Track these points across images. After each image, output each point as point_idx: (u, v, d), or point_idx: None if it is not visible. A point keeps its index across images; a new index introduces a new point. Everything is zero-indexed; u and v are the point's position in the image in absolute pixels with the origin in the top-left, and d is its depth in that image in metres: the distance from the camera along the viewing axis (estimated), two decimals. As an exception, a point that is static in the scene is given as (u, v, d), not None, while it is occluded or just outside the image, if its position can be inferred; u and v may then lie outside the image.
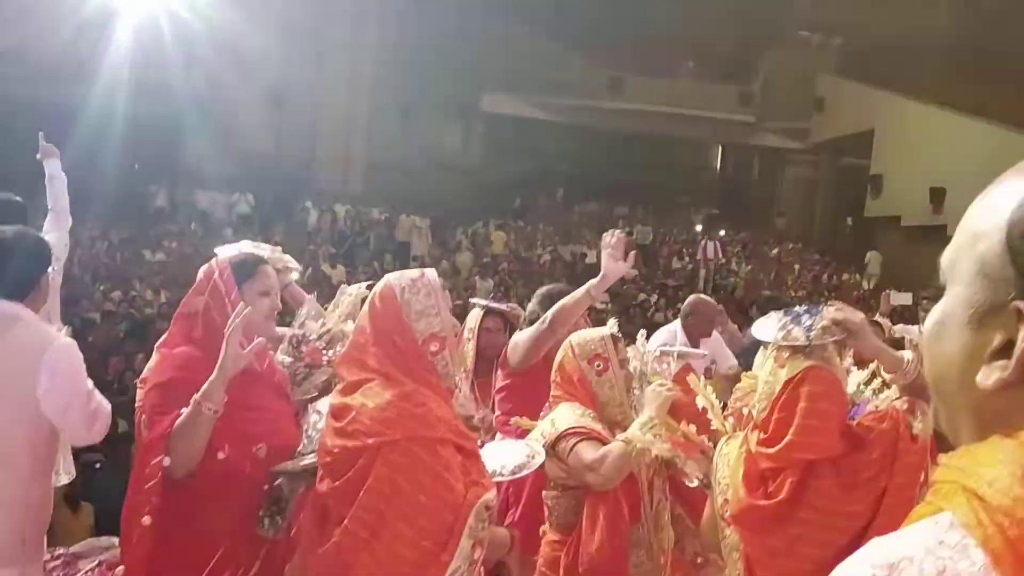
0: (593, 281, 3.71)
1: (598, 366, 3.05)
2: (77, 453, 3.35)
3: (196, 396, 2.38)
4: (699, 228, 27.19)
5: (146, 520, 2.36)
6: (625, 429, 2.99)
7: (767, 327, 2.85)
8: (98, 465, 6.86)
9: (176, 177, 19.17)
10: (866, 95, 23.75)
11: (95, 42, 16.88)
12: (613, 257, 3.67)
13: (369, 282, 2.92)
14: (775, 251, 25.24)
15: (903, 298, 6.46)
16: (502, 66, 26.42)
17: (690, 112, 27.50)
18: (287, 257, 3.44)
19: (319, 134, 21.73)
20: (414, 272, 2.45)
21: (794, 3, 25.28)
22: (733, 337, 7.25)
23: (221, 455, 2.45)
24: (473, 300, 4.60)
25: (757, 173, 32.56)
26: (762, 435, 2.64)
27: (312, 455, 2.50)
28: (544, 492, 3.07)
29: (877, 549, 0.76)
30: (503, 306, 4.41)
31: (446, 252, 20.89)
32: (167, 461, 2.37)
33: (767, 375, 2.71)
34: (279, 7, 19.23)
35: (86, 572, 4.94)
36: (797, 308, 2.92)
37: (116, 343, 9.76)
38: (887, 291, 6.72)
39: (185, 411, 2.39)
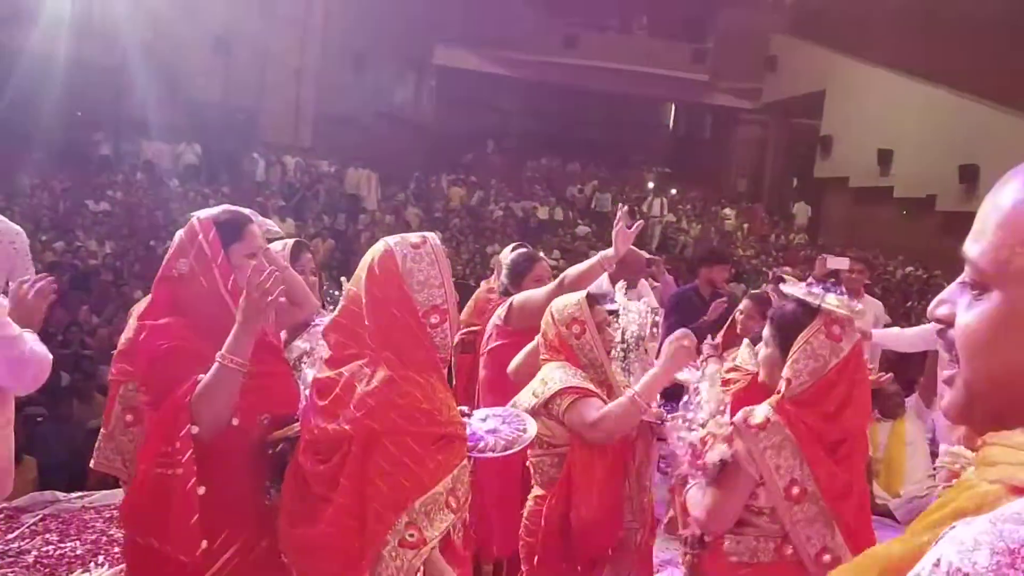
0: (607, 252, 3.78)
1: (576, 330, 3.06)
2: (19, 406, 3.27)
3: (220, 353, 2.26)
4: (651, 186, 27.34)
5: (201, 489, 2.23)
6: (609, 391, 3.03)
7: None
8: (40, 419, 6.78)
9: (120, 125, 18.69)
10: (818, 56, 23.91)
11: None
12: (624, 232, 3.75)
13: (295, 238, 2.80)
14: (726, 211, 25.44)
15: (839, 262, 6.58)
16: (456, 19, 26.14)
17: (643, 69, 27.46)
18: (268, 221, 3.28)
19: (268, 84, 21.31)
20: (415, 237, 2.33)
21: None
22: (666, 287, 7.39)
23: (235, 421, 2.34)
24: None
25: (709, 132, 32.74)
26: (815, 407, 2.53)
27: None
28: (528, 451, 3.04)
29: (987, 535, 0.74)
30: None
31: (396, 206, 20.76)
32: (195, 429, 2.25)
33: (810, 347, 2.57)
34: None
35: (29, 526, 4.90)
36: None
37: (59, 294, 9.56)
38: (823, 255, 6.85)
39: (204, 376, 2.28)
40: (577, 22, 27.74)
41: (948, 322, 0.96)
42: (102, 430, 3.14)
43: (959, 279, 0.97)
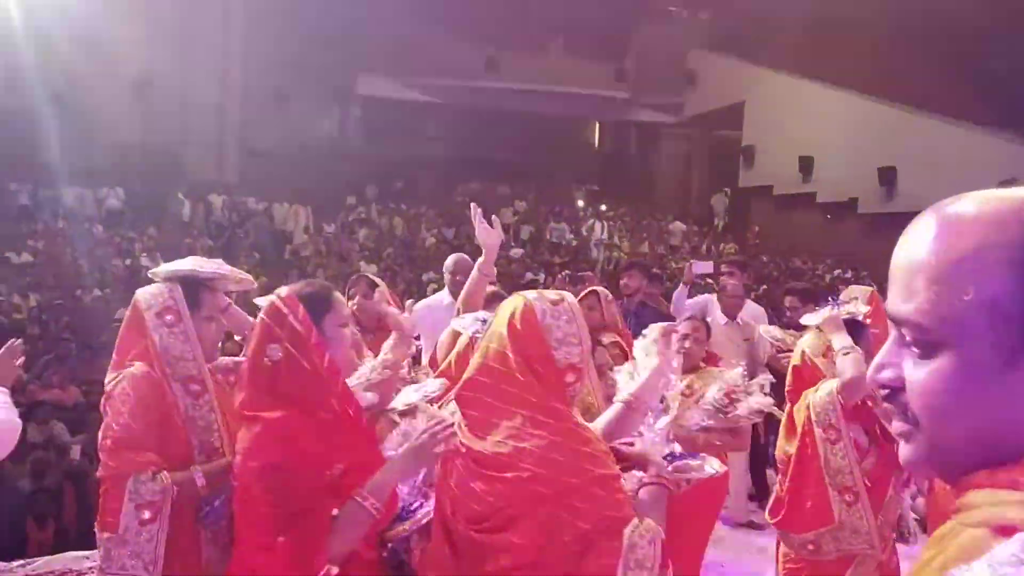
0: (480, 260, 3.78)
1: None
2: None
3: (361, 492, 2.20)
4: (580, 204, 27.57)
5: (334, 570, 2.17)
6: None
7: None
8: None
9: (38, 173, 18.25)
10: (736, 69, 24.47)
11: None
12: (484, 230, 3.72)
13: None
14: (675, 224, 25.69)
15: (705, 267, 6.86)
16: (376, 48, 26.10)
17: (566, 89, 27.77)
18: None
19: (189, 122, 21.02)
20: (553, 294, 2.30)
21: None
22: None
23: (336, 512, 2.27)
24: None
25: (635, 148, 33.16)
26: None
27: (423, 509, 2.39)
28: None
29: None
30: None
31: (327, 238, 20.62)
32: (334, 571, 2.16)
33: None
34: (140, -8, 18.53)
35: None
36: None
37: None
38: (690, 261, 7.17)
39: (339, 511, 2.20)
40: (498, 45, 27.92)
41: (895, 386, 0.92)
42: (107, 533, 2.83)
43: (891, 339, 0.94)
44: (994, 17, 16.77)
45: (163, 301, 2.86)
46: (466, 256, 5.57)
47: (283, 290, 2.41)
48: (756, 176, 24.30)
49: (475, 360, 2.28)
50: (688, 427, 3.83)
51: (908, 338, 0.89)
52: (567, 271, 13.53)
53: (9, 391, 2.85)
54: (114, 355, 2.90)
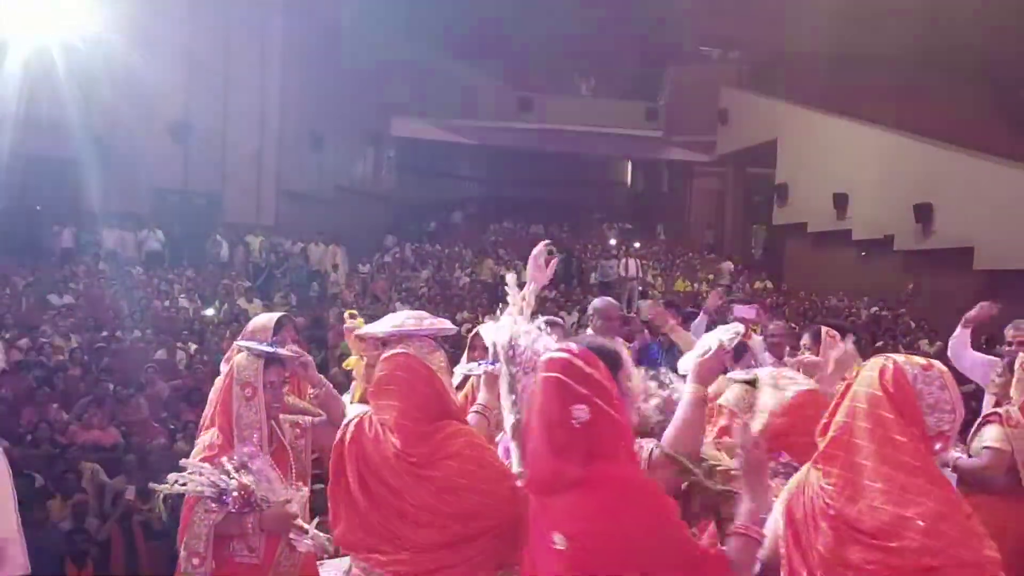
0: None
1: None
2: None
3: (744, 524, 2.19)
4: (613, 242, 27.60)
5: None
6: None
7: None
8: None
9: (81, 217, 18.60)
10: (767, 106, 24.48)
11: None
12: (537, 268, 3.63)
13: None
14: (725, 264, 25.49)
15: (748, 311, 6.76)
16: (410, 91, 26.48)
17: (599, 129, 27.94)
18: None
19: (228, 165, 21.35)
20: (921, 359, 2.21)
21: (693, 20, 25.92)
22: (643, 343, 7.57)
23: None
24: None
25: (667, 186, 33.20)
26: None
27: None
28: None
29: None
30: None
31: (362, 278, 20.76)
32: None
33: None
34: (180, 38, 18.91)
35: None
36: None
37: (27, 393, 9.41)
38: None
39: (729, 548, 2.19)
40: (531, 86, 28.20)
41: None
42: None
43: None
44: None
45: None
46: (613, 300, 5.70)
47: (571, 346, 2.28)
48: (790, 213, 24.18)
49: (838, 419, 2.20)
50: None
51: None
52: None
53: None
54: None
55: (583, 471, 2.12)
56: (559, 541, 2.13)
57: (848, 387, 2.24)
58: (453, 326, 3.15)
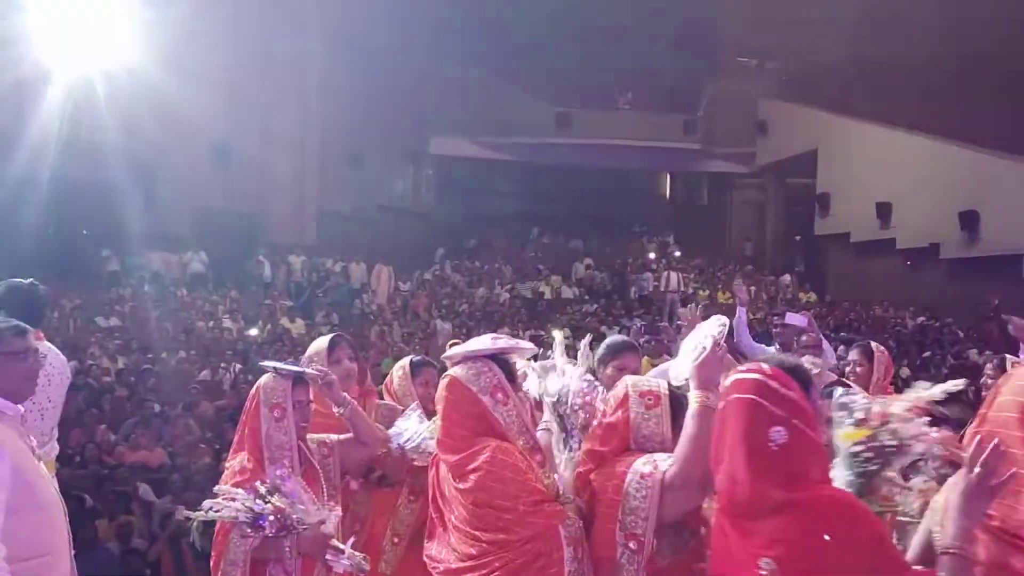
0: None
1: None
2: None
3: (955, 544, 2.03)
4: (652, 256, 27.50)
5: None
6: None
7: None
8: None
9: (126, 240, 18.89)
10: (807, 116, 24.27)
11: (23, 105, 16.51)
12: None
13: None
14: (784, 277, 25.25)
15: (799, 319, 6.56)
16: (449, 109, 26.65)
17: (637, 142, 27.87)
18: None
19: (268, 187, 21.59)
20: None
21: (730, 31, 25.80)
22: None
23: None
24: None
25: (707, 198, 33.02)
26: None
27: None
28: None
29: None
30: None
31: (404, 295, 20.87)
32: None
33: None
34: (221, 64, 19.17)
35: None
36: None
37: (76, 414, 9.55)
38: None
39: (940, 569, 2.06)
40: (568, 101, 28.21)
41: None
42: None
43: None
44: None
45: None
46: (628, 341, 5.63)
47: (762, 366, 2.22)
48: (832, 224, 23.92)
49: (987, 429, 2.11)
50: None
51: None
52: (642, 322, 13.43)
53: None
54: None
55: (787, 494, 2.07)
56: (766, 566, 2.07)
57: (993, 397, 2.16)
58: (531, 345, 3.10)
